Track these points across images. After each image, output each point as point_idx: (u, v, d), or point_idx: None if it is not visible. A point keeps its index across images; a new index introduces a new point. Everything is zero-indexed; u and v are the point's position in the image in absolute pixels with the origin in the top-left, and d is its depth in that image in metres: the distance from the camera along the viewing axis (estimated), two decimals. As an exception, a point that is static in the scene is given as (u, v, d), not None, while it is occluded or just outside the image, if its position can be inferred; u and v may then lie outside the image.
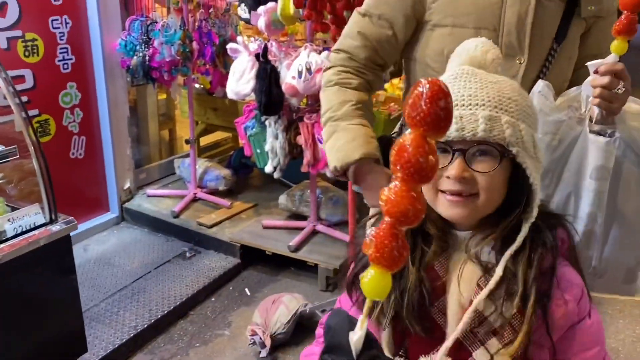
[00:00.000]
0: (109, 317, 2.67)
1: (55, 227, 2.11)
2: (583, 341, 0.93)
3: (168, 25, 3.10)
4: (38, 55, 2.98)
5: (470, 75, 0.92)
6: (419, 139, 0.63)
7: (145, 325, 2.62)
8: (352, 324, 0.75)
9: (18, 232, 2.03)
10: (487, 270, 0.91)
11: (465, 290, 0.91)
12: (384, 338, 0.94)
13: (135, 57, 3.13)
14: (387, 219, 0.65)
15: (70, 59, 3.14)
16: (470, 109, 0.88)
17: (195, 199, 3.62)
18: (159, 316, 2.69)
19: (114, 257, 3.21)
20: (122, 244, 3.37)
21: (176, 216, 3.44)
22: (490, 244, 0.92)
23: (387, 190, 0.65)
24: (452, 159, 0.89)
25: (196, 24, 3.26)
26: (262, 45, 2.81)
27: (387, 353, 0.93)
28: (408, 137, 0.63)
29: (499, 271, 0.89)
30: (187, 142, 3.60)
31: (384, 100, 5.01)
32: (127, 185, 3.63)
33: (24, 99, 2.92)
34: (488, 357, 0.89)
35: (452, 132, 0.87)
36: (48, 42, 3.01)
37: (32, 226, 2.07)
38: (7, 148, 2.06)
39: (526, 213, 0.93)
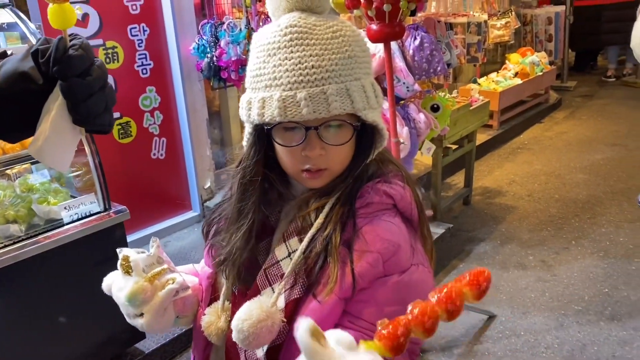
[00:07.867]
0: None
1: (107, 215, 2.22)
2: (382, 296, 0.85)
3: (234, 25, 3.16)
4: (118, 61, 3.19)
5: (304, 35, 0.82)
6: (459, 292, 0.72)
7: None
8: None
9: (74, 219, 2.17)
10: (303, 219, 0.91)
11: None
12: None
13: (205, 59, 3.24)
14: (410, 317, 0.70)
15: (149, 64, 3.33)
16: (317, 85, 0.81)
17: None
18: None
19: (191, 253, 3.32)
20: (201, 241, 3.46)
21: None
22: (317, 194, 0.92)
23: (423, 303, 0.71)
24: (305, 137, 0.85)
25: (261, 22, 3.30)
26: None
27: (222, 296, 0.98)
28: (456, 284, 0.71)
29: (315, 225, 0.89)
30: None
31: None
32: (208, 184, 3.75)
33: (106, 102, 3.15)
34: (273, 297, 0.88)
35: (304, 115, 0.81)
36: (127, 49, 3.21)
37: (88, 214, 2.20)
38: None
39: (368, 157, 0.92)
